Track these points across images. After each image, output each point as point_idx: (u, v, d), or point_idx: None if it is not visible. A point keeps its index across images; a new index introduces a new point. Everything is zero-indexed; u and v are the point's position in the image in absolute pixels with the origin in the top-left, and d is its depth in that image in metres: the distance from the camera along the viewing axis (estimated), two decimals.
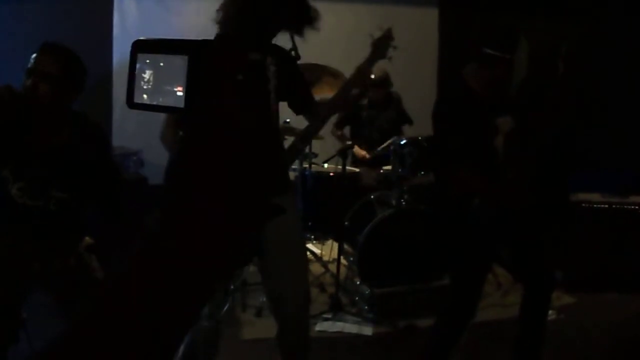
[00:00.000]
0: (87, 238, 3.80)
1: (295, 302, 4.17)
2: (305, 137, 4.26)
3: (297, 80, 4.25)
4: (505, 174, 4.52)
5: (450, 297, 4.90)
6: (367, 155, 7.62)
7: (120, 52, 8.29)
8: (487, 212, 4.51)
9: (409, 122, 7.86)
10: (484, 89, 4.48)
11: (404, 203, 6.47)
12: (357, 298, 6.40)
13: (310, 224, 6.91)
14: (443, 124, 4.57)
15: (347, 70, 4.92)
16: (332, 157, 6.45)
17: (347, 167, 7.01)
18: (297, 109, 4.35)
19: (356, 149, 7.72)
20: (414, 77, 8.78)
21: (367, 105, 7.86)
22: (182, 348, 4.41)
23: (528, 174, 4.65)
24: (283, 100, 4.14)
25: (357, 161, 7.83)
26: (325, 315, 6.07)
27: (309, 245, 7.39)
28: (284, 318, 4.24)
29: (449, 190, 4.66)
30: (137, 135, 4.43)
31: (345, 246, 6.80)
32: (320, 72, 6.45)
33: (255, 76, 3.89)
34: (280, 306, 4.22)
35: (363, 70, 4.31)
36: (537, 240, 4.71)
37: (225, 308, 4.24)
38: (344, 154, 6.17)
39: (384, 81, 7.69)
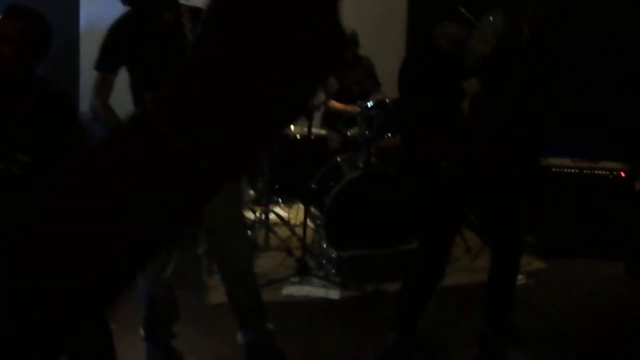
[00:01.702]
0: None
1: (241, 264, 4.44)
2: None
3: None
4: (472, 137, 4.48)
5: (418, 260, 4.87)
6: (347, 108, 7.55)
7: (87, 15, 8.14)
8: (454, 174, 4.47)
9: (377, 85, 7.79)
10: (452, 49, 4.44)
11: (371, 165, 6.40)
12: (324, 261, 6.38)
13: (277, 187, 6.84)
14: (409, 84, 4.54)
15: None
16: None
17: (314, 130, 6.96)
18: None
19: (333, 103, 7.61)
20: (382, 39, 8.65)
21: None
22: (143, 316, 4.55)
23: (495, 137, 4.62)
24: None
25: (329, 118, 7.83)
26: (292, 279, 6.04)
27: (277, 209, 7.35)
28: (233, 282, 4.48)
29: (416, 152, 4.62)
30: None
31: (313, 209, 6.76)
32: None
33: (170, 35, 4.06)
34: (226, 270, 4.48)
35: None
36: (505, 204, 4.68)
37: (169, 269, 4.22)
38: (309, 115, 6.07)
39: (351, 40, 7.61)
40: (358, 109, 6.44)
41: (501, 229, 4.68)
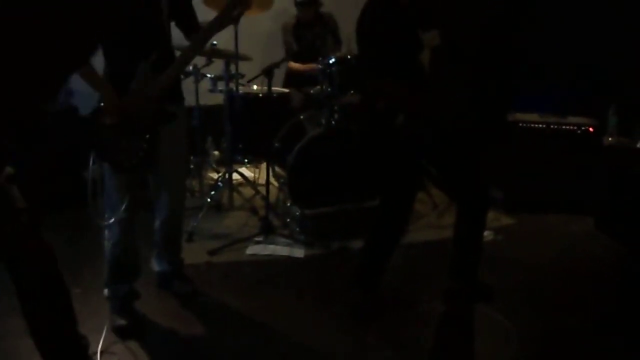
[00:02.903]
0: (7, 168, 3.64)
1: (177, 199, 4.89)
2: (188, 55, 4.48)
3: (185, 2, 4.64)
4: (431, 90, 4.41)
5: (379, 216, 4.82)
6: (307, 68, 7.49)
7: None
8: (412, 127, 4.41)
9: (339, 43, 7.75)
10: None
11: (334, 123, 6.35)
12: (288, 220, 6.35)
13: (240, 146, 6.76)
14: (367, 36, 4.47)
15: None
16: (257, 76, 6.26)
17: (277, 88, 6.94)
18: (184, 29, 4.70)
19: (292, 64, 7.66)
20: None
21: (297, 26, 7.71)
22: (106, 274, 4.65)
23: (455, 89, 4.57)
24: (173, 19, 4.56)
25: (292, 77, 7.77)
26: (256, 239, 6.02)
27: (242, 169, 7.29)
28: (168, 211, 4.84)
29: (374, 105, 4.55)
30: None
31: (277, 168, 6.73)
32: None
33: None
34: (165, 202, 4.81)
35: None
36: (466, 157, 4.61)
37: (123, 206, 4.27)
38: (269, 73, 5.98)
39: (312, 1, 7.56)
40: (319, 66, 6.40)
41: (462, 183, 4.62)
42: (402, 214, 4.74)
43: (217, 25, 4.34)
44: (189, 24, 4.63)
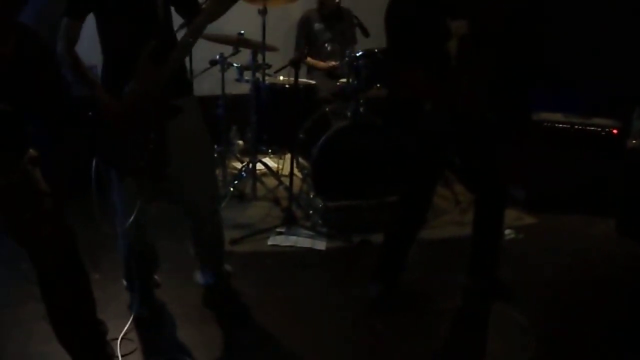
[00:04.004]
0: (30, 150, 3.66)
1: (207, 204, 4.55)
2: (187, 42, 4.07)
3: None
4: (458, 79, 4.40)
5: (399, 206, 4.83)
6: (334, 63, 7.49)
7: None
8: (437, 117, 4.41)
9: (366, 34, 7.72)
10: None
11: (359, 115, 6.35)
12: (311, 212, 6.36)
13: (265, 136, 6.77)
14: (394, 25, 4.46)
15: None
16: (284, 67, 6.31)
17: (304, 79, 6.99)
18: (183, 14, 4.32)
19: (320, 64, 7.62)
20: None
21: (319, 16, 7.70)
22: (123, 266, 4.60)
23: (482, 80, 4.54)
24: (172, 4, 4.20)
25: (313, 71, 7.75)
26: (278, 229, 6.03)
27: (266, 160, 7.32)
28: (199, 220, 4.58)
29: (399, 93, 4.56)
30: (93, 50, 4.34)
31: (301, 159, 6.76)
32: None
33: None
34: (193, 210, 4.54)
35: None
36: (489, 152, 4.60)
37: (136, 214, 4.20)
38: (296, 64, 6.00)
39: None
40: (332, 64, 6.44)
41: (482, 175, 4.62)
42: (421, 205, 4.73)
43: (215, 7, 4.02)
44: (189, 8, 4.24)
